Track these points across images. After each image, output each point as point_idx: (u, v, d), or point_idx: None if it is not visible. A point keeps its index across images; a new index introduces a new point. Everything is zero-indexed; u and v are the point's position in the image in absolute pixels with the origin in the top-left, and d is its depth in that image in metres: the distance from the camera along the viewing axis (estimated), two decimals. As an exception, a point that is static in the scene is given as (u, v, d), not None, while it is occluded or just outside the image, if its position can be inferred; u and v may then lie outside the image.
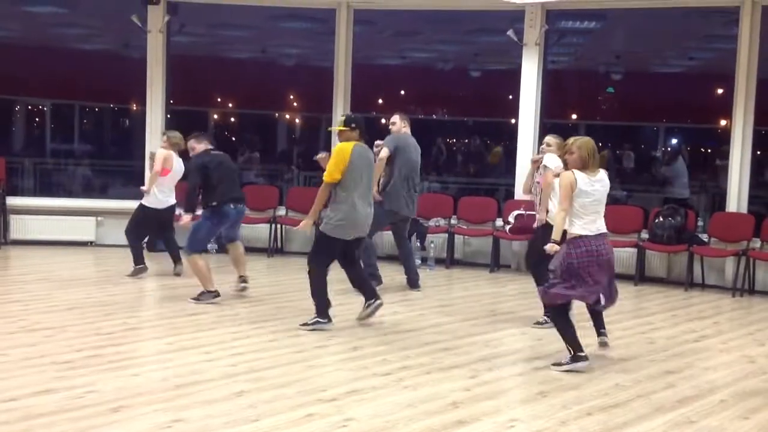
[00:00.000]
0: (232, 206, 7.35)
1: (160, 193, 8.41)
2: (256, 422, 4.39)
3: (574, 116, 13.12)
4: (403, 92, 13.81)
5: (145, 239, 9.19)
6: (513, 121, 10.61)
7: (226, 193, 7.30)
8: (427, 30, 11.91)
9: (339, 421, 4.42)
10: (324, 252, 6.51)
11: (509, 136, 11.07)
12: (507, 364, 5.84)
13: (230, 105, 13.95)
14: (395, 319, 7.02)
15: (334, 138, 10.58)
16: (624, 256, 9.40)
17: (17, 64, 11.71)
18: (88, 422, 4.30)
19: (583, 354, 5.56)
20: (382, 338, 6.36)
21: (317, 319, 6.49)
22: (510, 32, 9.99)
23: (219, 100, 13.80)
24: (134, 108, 12.31)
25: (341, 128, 6.54)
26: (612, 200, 11.75)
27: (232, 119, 14.26)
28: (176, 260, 8.52)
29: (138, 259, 8.42)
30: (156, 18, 10.54)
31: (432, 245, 9.83)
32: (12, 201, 10.28)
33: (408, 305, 7.76)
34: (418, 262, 9.77)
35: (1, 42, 12.12)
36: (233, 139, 13.91)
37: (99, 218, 10.54)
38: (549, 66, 10.47)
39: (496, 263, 9.94)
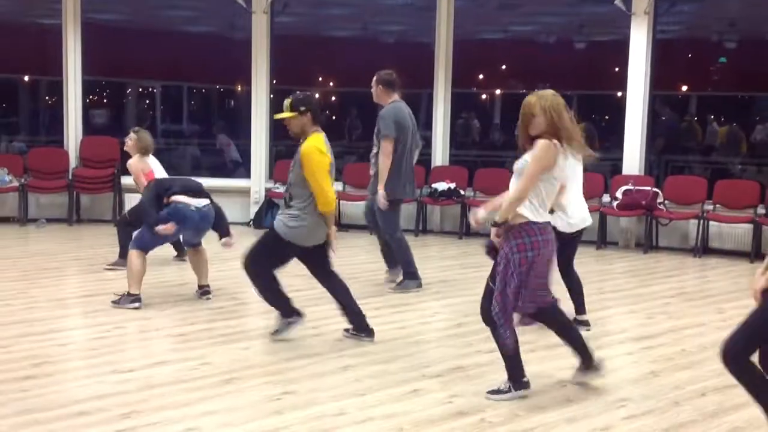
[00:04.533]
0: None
1: None
2: (363, 396, 4.44)
3: (684, 88, 12.62)
4: (504, 67, 13.59)
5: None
6: (619, 94, 10.30)
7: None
8: (530, 2, 11.66)
9: (444, 398, 4.43)
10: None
11: (616, 110, 10.75)
12: (616, 343, 5.72)
13: (331, 84, 14.04)
14: (499, 296, 6.94)
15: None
16: (739, 233, 9.07)
17: (128, 48, 12.10)
18: (202, 393, 4.44)
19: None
20: (487, 315, 6.31)
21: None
22: (617, 1, 9.68)
23: (320, 78, 13.91)
24: (239, 89, 12.56)
25: (289, 115, 5.17)
26: (729, 174, 11.36)
27: (333, 98, 14.36)
28: (179, 250, 7.98)
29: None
30: (260, -1, 10.71)
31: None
32: (126, 180, 10.66)
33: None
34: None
35: (112, 26, 12.54)
36: (333, 118, 14.02)
37: (207, 196, 10.78)
38: (658, 36, 10.10)
39: (603, 240, 9.71)
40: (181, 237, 6.86)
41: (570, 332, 4.64)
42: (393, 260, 7.33)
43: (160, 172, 7.53)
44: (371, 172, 7.10)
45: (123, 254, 7.58)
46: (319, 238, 5.27)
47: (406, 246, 7.12)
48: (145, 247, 6.41)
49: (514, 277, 4.20)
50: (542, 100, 4.24)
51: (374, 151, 7.04)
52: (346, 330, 5.55)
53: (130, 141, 7.60)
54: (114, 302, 6.32)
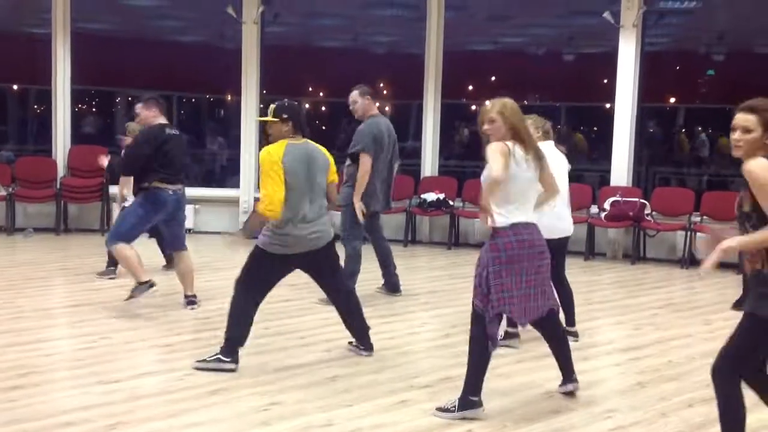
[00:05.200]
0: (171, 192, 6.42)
1: None
2: (351, 407, 4.43)
3: (672, 100, 12.71)
4: (493, 78, 13.66)
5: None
6: (608, 105, 10.36)
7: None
8: (520, 14, 11.73)
9: (432, 409, 4.41)
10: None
11: (604, 121, 10.81)
12: (603, 354, 5.73)
13: (321, 94, 14.06)
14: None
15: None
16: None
17: (118, 57, 12.09)
18: (188, 404, 4.42)
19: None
20: (475, 326, 6.31)
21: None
22: (606, 14, 9.74)
23: (310, 89, 13.93)
24: (229, 98, 12.56)
25: (271, 120, 5.06)
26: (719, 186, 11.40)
27: (323, 108, 14.38)
28: (167, 257, 7.86)
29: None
30: (250, 9, 10.72)
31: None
32: (114, 190, 10.64)
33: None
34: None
35: (102, 35, 12.53)
36: (324, 128, 14.03)
37: (197, 206, 10.79)
38: (647, 48, 10.17)
39: (590, 251, 9.74)
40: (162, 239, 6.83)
41: (564, 346, 4.62)
42: (388, 272, 7.33)
43: None
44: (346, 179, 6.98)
45: (112, 263, 7.72)
46: (298, 246, 5.02)
47: (359, 260, 6.93)
48: (127, 239, 6.41)
49: (488, 277, 4.19)
50: (499, 105, 4.29)
51: (347, 162, 6.92)
52: (350, 342, 5.51)
53: (127, 136, 7.83)
54: (129, 298, 6.43)
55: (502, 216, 4.21)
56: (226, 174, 12.23)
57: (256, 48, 10.86)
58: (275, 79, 11.43)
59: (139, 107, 6.63)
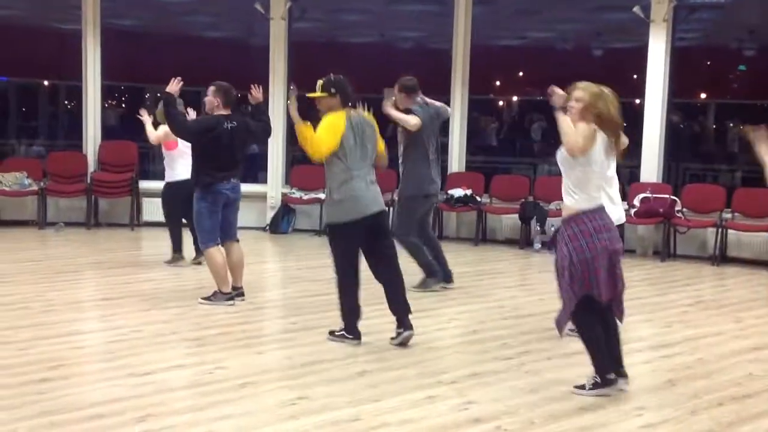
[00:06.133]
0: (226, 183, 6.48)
1: (183, 167, 7.67)
2: (378, 402, 4.43)
3: (703, 95, 12.58)
4: (521, 73, 13.59)
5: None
6: (638, 101, 10.26)
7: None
8: (548, 8, 11.65)
9: (459, 404, 4.41)
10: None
11: (633, 117, 10.71)
12: (633, 352, 5.67)
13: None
14: (515, 303, 6.93)
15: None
16: (758, 242, 9.00)
17: (147, 53, 12.18)
18: (217, 397, 4.44)
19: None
20: (502, 322, 6.30)
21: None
22: (636, 9, 9.65)
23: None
24: (256, 94, 12.59)
25: (320, 95, 5.41)
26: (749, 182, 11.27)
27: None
28: (197, 249, 7.74)
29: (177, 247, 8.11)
30: (278, 5, 10.75)
31: (552, 228, 9.66)
32: (144, 185, 10.74)
33: (527, 290, 7.69)
34: (537, 246, 9.65)
35: (132, 31, 12.63)
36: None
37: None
38: (677, 43, 10.06)
39: (619, 248, 9.65)
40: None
41: (599, 346, 4.64)
42: (440, 263, 7.40)
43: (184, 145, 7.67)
44: (401, 170, 7.24)
45: (176, 248, 8.04)
46: (357, 211, 5.30)
47: (422, 249, 7.16)
48: (213, 238, 6.49)
49: (567, 267, 4.39)
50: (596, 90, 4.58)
51: (400, 150, 7.14)
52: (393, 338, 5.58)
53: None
54: (205, 299, 6.54)
55: (583, 199, 4.40)
56: (253, 169, 12.25)
57: (284, 44, 10.89)
58: (302, 75, 11.45)
59: (210, 91, 6.71)
